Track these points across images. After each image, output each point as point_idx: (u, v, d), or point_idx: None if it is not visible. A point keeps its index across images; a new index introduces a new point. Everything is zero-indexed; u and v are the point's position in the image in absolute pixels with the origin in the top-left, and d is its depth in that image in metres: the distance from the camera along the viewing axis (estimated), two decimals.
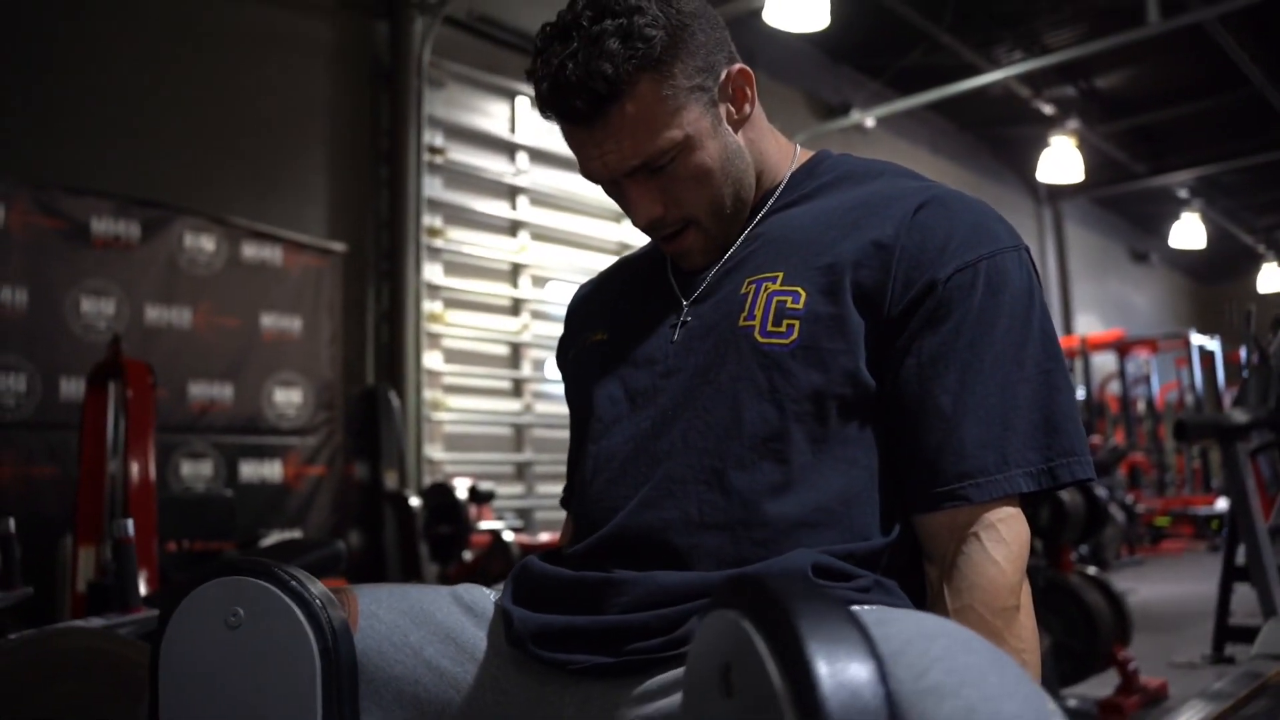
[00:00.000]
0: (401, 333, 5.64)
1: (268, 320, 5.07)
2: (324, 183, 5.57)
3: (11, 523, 2.21)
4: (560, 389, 1.25)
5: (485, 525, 5.12)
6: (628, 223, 1.14)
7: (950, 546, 0.97)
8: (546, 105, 1.03)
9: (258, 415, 5.00)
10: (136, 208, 4.59)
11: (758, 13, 6.25)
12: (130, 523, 2.11)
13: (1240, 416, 2.88)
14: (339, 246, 5.46)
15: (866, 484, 0.99)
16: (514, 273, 6.40)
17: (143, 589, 2.40)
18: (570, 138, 1.05)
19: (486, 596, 1.09)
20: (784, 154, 1.16)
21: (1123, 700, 3.45)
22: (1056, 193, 12.10)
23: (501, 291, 6.30)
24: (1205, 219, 12.61)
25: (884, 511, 1.00)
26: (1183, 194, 12.40)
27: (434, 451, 5.78)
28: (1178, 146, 11.18)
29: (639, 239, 1.18)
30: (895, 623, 0.72)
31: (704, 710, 0.67)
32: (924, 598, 1.00)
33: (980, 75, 8.10)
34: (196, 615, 0.93)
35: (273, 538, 4.49)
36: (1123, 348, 10.52)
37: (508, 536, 4.84)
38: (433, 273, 5.87)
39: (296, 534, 4.96)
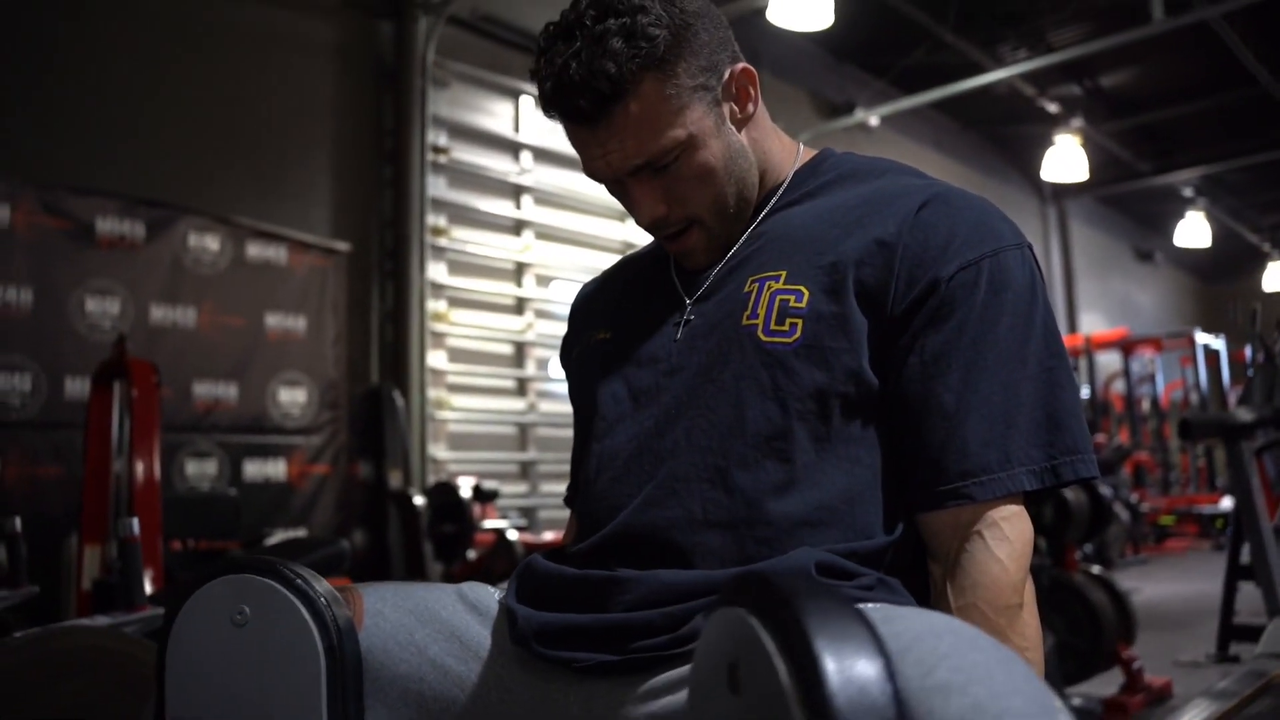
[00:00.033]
0: (406, 332, 5.64)
1: (272, 320, 5.08)
2: (328, 182, 5.58)
3: (17, 522, 2.22)
4: (564, 388, 1.25)
5: (489, 524, 5.12)
6: (632, 222, 1.14)
7: (953, 545, 0.97)
8: (550, 104, 1.03)
9: (262, 414, 5.01)
10: (141, 207, 4.60)
11: (762, 12, 6.25)
12: (135, 522, 2.11)
13: (1245, 415, 2.88)
14: (343, 246, 5.46)
15: (870, 483, 0.99)
16: (518, 272, 6.40)
17: (148, 588, 2.41)
18: (573, 137, 1.05)
19: (491, 595, 1.09)
20: (787, 153, 1.16)
21: (1127, 699, 3.45)
22: (1061, 191, 12.08)
23: (505, 290, 6.31)
24: (1210, 217, 12.59)
25: (887, 510, 1.00)
26: (1187, 192, 12.37)
27: (438, 450, 5.78)
28: (1182, 145, 11.16)
29: (643, 238, 1.18)
30: (902, 620, 0.72)
31: (710, 707, 0.67)
32: (927, 596, 1.00)
33: (985, 74, 8.09)
34: (202, 613, 0.94)
35: (277, 537, 4.49)
36: (1127, 346, 10.50)
37: (512, 535, 4.85)
38: (437, 272, 5.88)
39: (301, 533, 4.97)
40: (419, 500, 5.11)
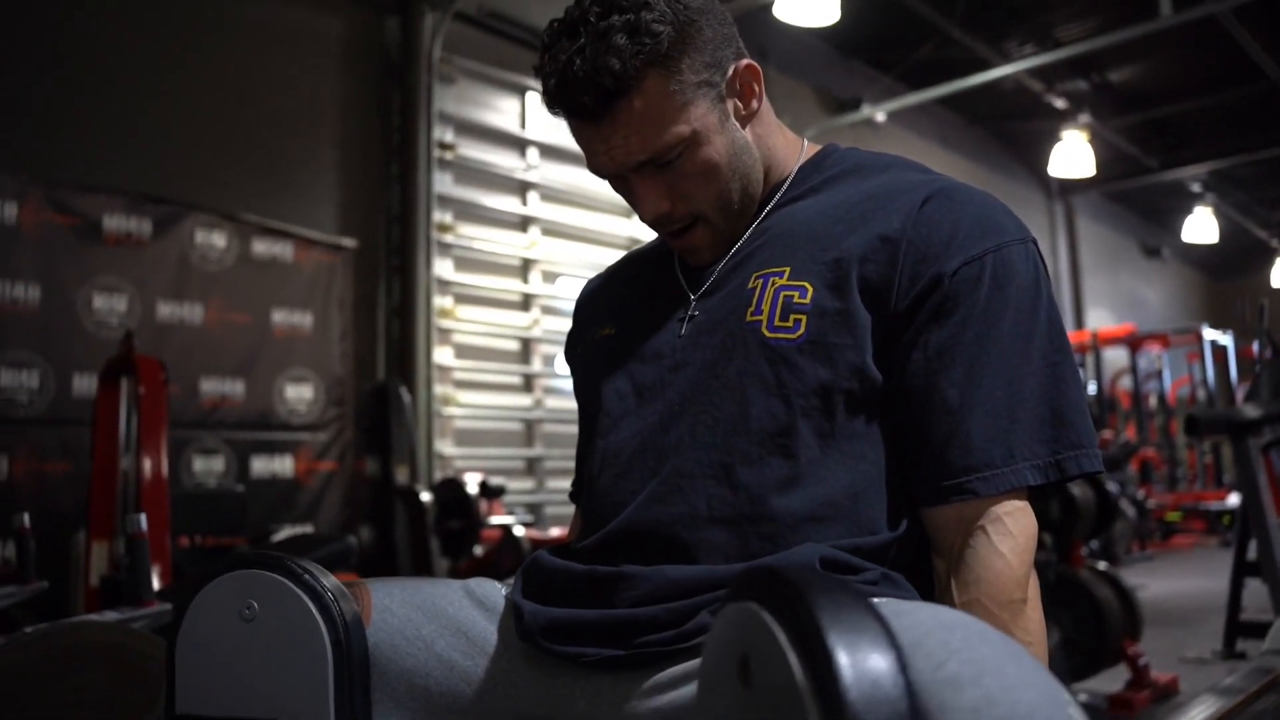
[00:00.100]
0: (412, 328, 5.65)
1: (279, 316, 5.09)
2: (335, 179, 5.58)
3: (26, 518, 2.23)
4: (570, 384, 1.26)
5: (496, 520, 5.12)
6: (638, 218, 1.14)
7: (957, 540, 0.97)
8: (554, 101, 1.03)
9: (269, 411, 5.02)
10: (148, 204, 4.61)
11: (768, 7, 6.25)
12: (143, 518, 2.12)
13: (1252, 411, 2.87)
14: (350, 242, 5.47)
15: (874, 479, 0.99)
16: (524, 268, 6.41)
17: (155, 584, 2.42)
18: (578, 133, 1.06)
19: (498, 591, 1.09)
20: (791, 149, 1.16)
21: (1133, 695, 3.45)
22: (1068, 187, 12.06)
23: (512, 287, 6.31)
24: (1218, 213, 12.55)
25: (891, 506, 1.00)
26: (1195, 188, 12.34)
27: (445, 447, 5.79)
28: (1190, 140, 11.12)
29: (649, 234, 1.18)
30: (912, 614, 0.72)
31: (721, 701, 0.67)
32: (931, 592, 1.00)
33: (992, 69, 8.06)
34: (211, 608, 0.94)
35: (284, 533, 4.51)
36: (1134, 343, 10.48)
37: (518, 531, 4.85)
38: (443, 268, 5.88)
39: (308, 529, 4.98)
40: (425, 496, 5.12)
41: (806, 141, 1.18)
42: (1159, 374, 11.12)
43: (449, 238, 5.92)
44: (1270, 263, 14.62)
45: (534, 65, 1.05)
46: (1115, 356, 11.08)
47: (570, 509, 1.29)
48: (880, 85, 8.73)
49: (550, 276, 6.51)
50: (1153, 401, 11.06)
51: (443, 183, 5.93)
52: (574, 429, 1.23)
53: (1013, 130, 10.72)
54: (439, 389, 5.78)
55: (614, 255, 6.00)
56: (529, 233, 6.43)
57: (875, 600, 0.83)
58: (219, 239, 4.88)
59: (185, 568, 3.41)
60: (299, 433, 5.14)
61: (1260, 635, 3.04)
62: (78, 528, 3.63)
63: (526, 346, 6.37)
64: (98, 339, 4.33)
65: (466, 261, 6.07)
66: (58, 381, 4.26)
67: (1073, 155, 9.20)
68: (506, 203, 6.32)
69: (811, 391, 0.98)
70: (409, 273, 5.69)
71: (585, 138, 1.05)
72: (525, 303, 6.39)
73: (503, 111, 6.39)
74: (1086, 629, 3.53)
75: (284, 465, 5.07)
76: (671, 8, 1.00)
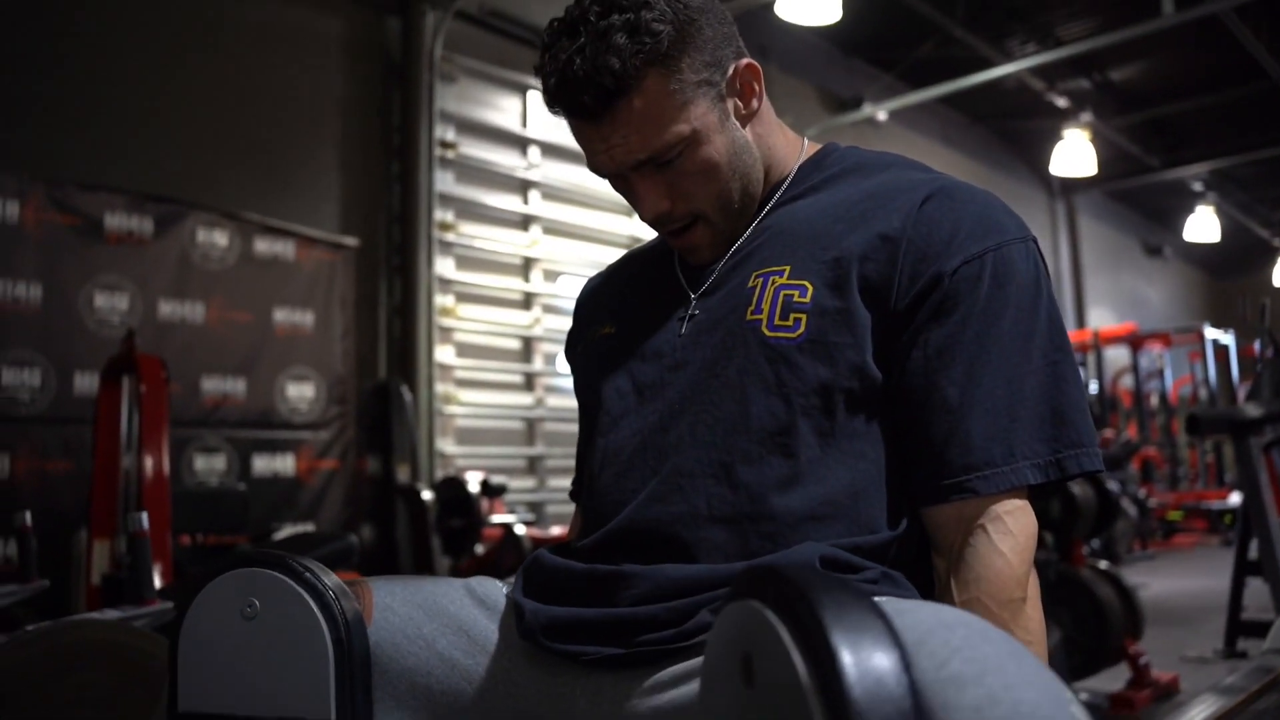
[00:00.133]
0: (413, 327, 5.65)
1: (280, 315, 5.10)
2: (336, 178, 5.59)
3: (28, 516, 2.23)
4: (571, 382, 1.26)
5: (497, 519, 5.13)
6: (637, 217, 1.14)
7: (957, 539, 0.97)
8: (554, 100, 1.03)
9: (270, 410, 5.03)
10: (149, 203, 4.62)
11: (770, 6, 6.25)
12: (144, 516, 2.12)
13: (1254, 411, 2.87)
14: (351, 241, 5.48)
15: (874, 478, 1.00)
16: (525, 267, 6.41)
17: (157, 582, 2.42)
18: (578, 133, 1.06)
19: (499, 589, 1.09)
20: (792, 148, 1.16)
21: (1133, 694, 3.45)
22: (1070, 186, 12.05)
23: (513, 286, 6.31)
24: (1220, 212, 12.55)
25: (891, 505, 1.00)
26: (1197, 187, 12.33)
27: (446, 445, 5.79)
28: (1192, 139, 11.12)
29: (650, 233, 1.18)
30: (914, 613, 0.72)
31: (723, 699, 0.67)
32: (932, 591, 1.00)
33: (993, 68, 8.06)
34: (213, 607, 0.95)
35: (286, 531, 4.52)
36: (1136, 342, 10.47)
37: (519, 530, 4.85)
38: (444, 267, 5.88)
39: (309, 528, 4.99)
40: (427, 495, 5.12)
41: (807, 141, 1.18)
42: (1160, 373, 11.12)
43: (450, 236, 5.92)
44: (1272, 262, 14.60)
45: (534, 64, 1.06)
46: (1117, 355, 11.07)
47: (571, 507, 1.29)
48: (881, 84, 8.72)
49: (551, 275, 6.51)
50: (1154, 400, 11.05)
51: (444, 181, 5.93)
52: (575, 428, 1.23)
53: (1014, 129, 10.71)
54: (440, 387, 5.78)
55: (615, 254, 6.00)
56: (530, 231, 6.43)
57: (877, 599, 0.83)
58: (220, 238, 4.88)
59: (187, 566, 3.42)
60: (300, 431, 5.14)
61: (1261, 634, 3.04)
62: (79, 526, 3.64)
63: (528, 345, 6.37)
64: (99, 338, 4.33)
65: (468, 260, 6.07)
66: (59, 380, 4.26)
67: (1074, 154, 9.20)
68: (508, 201, 6.32)
69: (811, 390, 0.98)
70: (410, 271, 5.69)
71: (585, 137, 1.05)
72: (526, 301, 6.39)
73: (504, 110, 6.39)
74: (1087, 628, 3.53)
75: (285, 464, 5.08)
76: (671, 7, 1.00)
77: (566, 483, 1.29)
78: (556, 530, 5.54)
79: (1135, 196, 13.33)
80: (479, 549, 5.01)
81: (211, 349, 4.80)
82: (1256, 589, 3.25)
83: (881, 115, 8.73)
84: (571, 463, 1.28)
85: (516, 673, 1.01)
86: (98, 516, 3.12)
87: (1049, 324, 1.00)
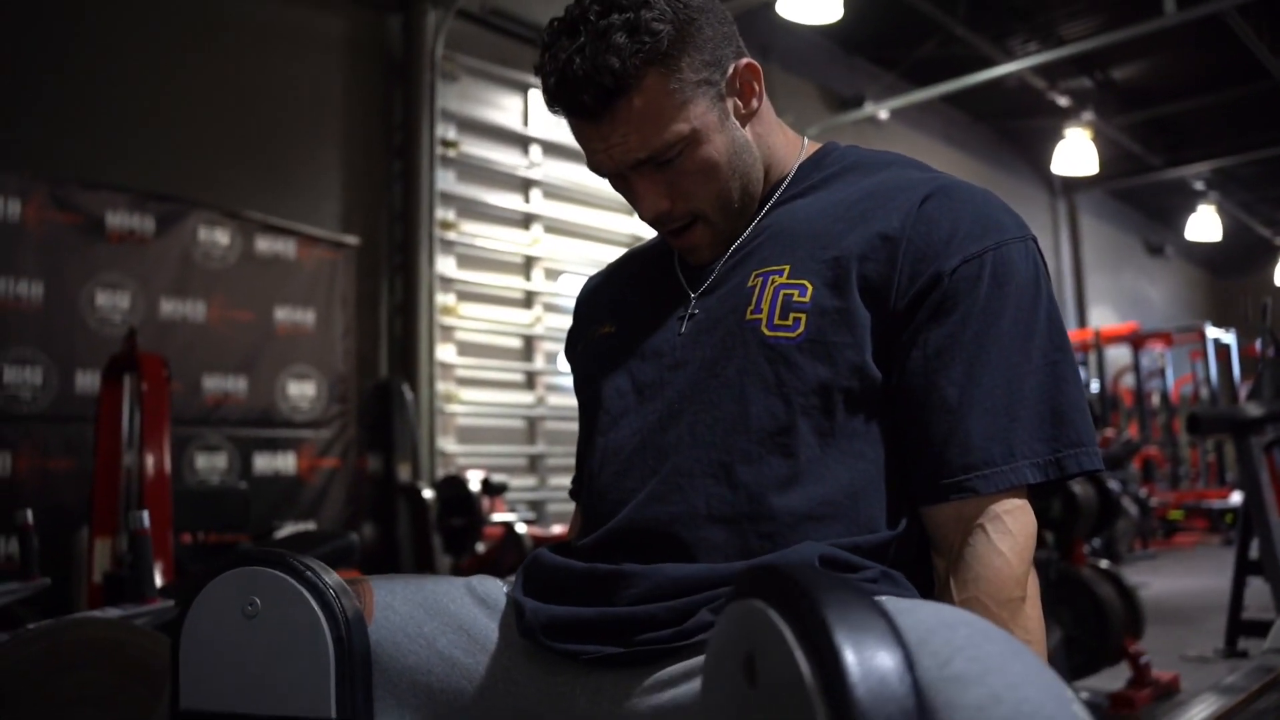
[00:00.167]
0: (414, 326, 5.66)
1: (281, 314, 5.10)
2: (337, 176, 5.59)
3: (29, 514, 2.23)
4: (571, 381, 1.26)
5: (498, 517, 5.13)
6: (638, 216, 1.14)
7: (956, 538, 0.97)
8: (554, 100, 1.03)
9: (271, 408, 5.03)
10: (151, 202, 4.62)
11: (771, 5, 6.24)
12: (146, 515, 2.12)
13: (1254, 410, 2.87)
14: (352, 240, 5.48)
15: (873, 477, 1.00)
16: (527, 266, 6.41)
17: (158, 580, 2.43)
18: (577, 132, 1.06)
19: (499, 588, 1.09)
20: (792, 147, 1.16)
21: (1134, 694, 3.45)
22: (1071, 185, 12.05)
23: (514, 284, 6.32)
24: (1221, 211, 12.54)
25: (891, 505, 1.00)
26: (1199, 186, 12.33)
27: (447, 444, 5.80)
28: (1194, 138, 11.11)
29: (651, 231, 1.18)
30: (916, 612, 0.72)
31: (725, 699, 0.67)
32: (931, 590, 1.00)
33: (995, 67, 8.06)
34: (214, 605, 0.95)
35: (287, 530, 4.52)
36: (1137, 341, 10.47)
37: (520, 529, 4.85)
38: (446, 266, 5.89)
39: (310, 526, 4.99)
40: (428, 494, 5.12)
41: (806, 140, 1.18)
42: (1162, 372, 11.11)
43: (451, 235, 5.92)
44: (1273, 261, 14.59)
45: (534, 64, 1.06)
46: (1118, 354, 11.06)
47: (571, 506, 1.29)
48: (883, 83, 8.72)
49: (553, 274, 6.51)
50: (1155, 400, 11.05)
51: (445, 180, 5.93)
52: (576, 426, 1.23)
53: (1016, 128, 10.71)
54: (441, 386, 5.78)
55: (616, 252, 6.02)
56: (531, 230, 6.43)
57: (878, 598, 0.83)
58: (222, 236, 4.88)
59: (188, 565, 3.42)
60: (301, 430, 5.15)
61: (1262, 634, 3.04)
62: (81, 524, 3.64)
63: (529, 344, 6.37)
64: (101, 336, 4.34)
65: (469, 259, 6.07)
66: (61, 378, 4.27)
67: (1076, 153, 9.19)
68: (509, 200, 6.33)
69: (811, 390, 0.98)
70: (411, 270, 5.69)
71: (585, 136, 1.05)
72: (528, 300, 6.39)
73: (505, 109, 6.39)
74: (1088, 627, 3.53)
75: (286, 462, 5.08)
76: (671, 6, 1.00)
77: (567, 481, 1.29)
78: (557, 529, 5.55)
79: (1137, 195, 13.32)
80: (480, 547, 5.01)
81: (213, 347, 4.81)
82: (1257, 588, 3.25)
83: (883, 114, 8.73)
84: (572, 461, 1.28)
85: (516, 671, 1.01)
86: (99, 515, 3.12)
87: (1048, 323, 1.00)
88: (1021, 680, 0.66)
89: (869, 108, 8.57)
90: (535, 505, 6.11)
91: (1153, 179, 12.03)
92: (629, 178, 1.07)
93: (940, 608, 0.77)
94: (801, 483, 0.97)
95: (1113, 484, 4.00)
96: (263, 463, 4.98)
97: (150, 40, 4.83)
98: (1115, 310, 13.00)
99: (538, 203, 6.46)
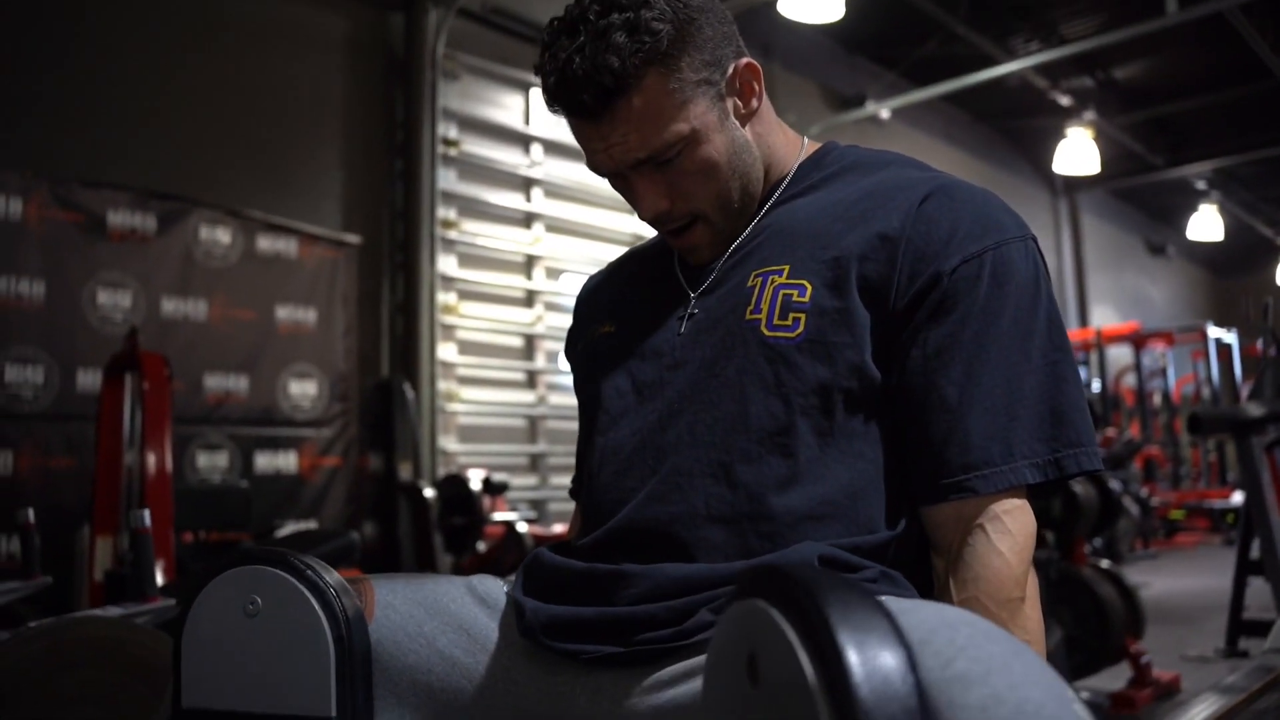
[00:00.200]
0: (416, 325, 5.66)
1: (283, 312, 5.10)
2: (339, 175, 5.59)
3: (30, 513, 2.23)
4: (572, 380, 1.26)
5: (499, 516, 5.13)
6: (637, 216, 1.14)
7: (956, 538, 0.97)
8: (553, 99, 1.03)
9: (273, 407, 5.03)
10: (153, 200, 4.62)
11: (773, 4, 6.23)
12: (147, 513, 2.13)
13: (1255, 410, 2.87)
14: (354, 239, 5.48)
15: (872, 477, 1.00)
16: (528, 264, 6.41)
17: (159, 579, 2.43)
18: (577, 131, 1.06)
19: (500, 588, 1.09)
20: (791, 147, 1.16)
21: (1134, 693, 3.45)
22: (1073, 184, 12.04)
23: (515, 283, 6.32)
24: (1223, 211, 12.53)
25: (890, 504, 1.00)
26: (1201, 186, 12.32)
27: (448, 443, 5.80)
28: (1196, 138, 11.10)
29: (652, 230, 1.18)
30: (917, 612, 0.73)
31: (727, 698, 0.67)
32: (930, 590, 1.00)
33: (997, 66, 8.05)
34: (216, 603, 0.95)
35: (288, 528, 4.52)
36: (1139, 340, 10.46)
37: (521, 527, 4.86)
38: (447, 265, 5.89)
39: (312, 525, 5.00)
40: (429, 492, 5.12)
41: (806, 139, 1.18)
42: (1163, 372, 11.10)
43: (453, 234, 5.92)
44: (1275, 260, 14.59)
45: (534, 64, 1.06)
46: (1120, 354, 11.06)
47: (571, 505, 1.29)
48: (885, 82, 8.71)
49: (554, 273, 6.52)
50: (1157, 399, 11.05)
51: (446, 179, 5.93)
52: (577, 425, 1.23)
53: (1017, 127, 10.70)
54: (442, 385, 5.78)
55: (618, 251, 6.01)
56: (533, 229, 6.43)
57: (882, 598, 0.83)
58: (223, 235, 4.89)
59: (189, 563, 3.42)
60: (303, 429, 5.15)
61: (1262, 634, 3.04)
62: (82, 523, 3.64)
63: (530, 343, 6.38)
64: (102, 335, 4.34)
65: (470, 258, 6.07)
66: (62, 377, 4.27)
67: (1078, 152, 9.19)
68: (510, 199, 6.33)
69: (810, 390, 0.98)
70: (413, 269, 5.69)
71: (585, 136, 1.05)
72: (529, 299, 6.39)
73: (507, 108, 6.39)
74: (1089, 627, 3.53)
75: (288, 461, 5.08)
76: (671, 6, 1.00)
77: (568, 480, 1.30)
78: (559, 528, 5.55)
79: (1138, 195, 13.31)
80: (481, 546, 5.01)
81: (214, 346, 4.81)
82: (1258, 588, 3.24)
83: (884, 113, 8.73)
84: (573, 460, 1.28)
85: (516, 671, 1.01)
86: (100, 513, 3.13)
87: (1048, 323, 1.00)
88: (1023, 680, 0.66)
89: (870, 107, 8.56)
90: (536, 504, 6.11)
91: (1154, 178, 12.02)
92: (628, 177, 1.07)
93: (941, 608, 0.77)
94: (801, 483, 0.97)
95: (1114, 483, 4.00)
96: (264, 461, 4.98)
97: (151, 39, 4.83)
98: (1117, 310, 13.00)
99: (539, 201, 6.46)
